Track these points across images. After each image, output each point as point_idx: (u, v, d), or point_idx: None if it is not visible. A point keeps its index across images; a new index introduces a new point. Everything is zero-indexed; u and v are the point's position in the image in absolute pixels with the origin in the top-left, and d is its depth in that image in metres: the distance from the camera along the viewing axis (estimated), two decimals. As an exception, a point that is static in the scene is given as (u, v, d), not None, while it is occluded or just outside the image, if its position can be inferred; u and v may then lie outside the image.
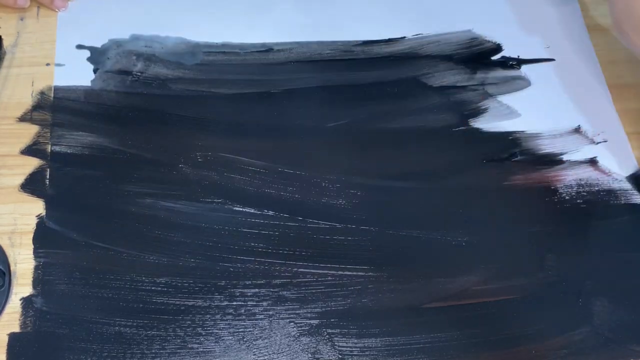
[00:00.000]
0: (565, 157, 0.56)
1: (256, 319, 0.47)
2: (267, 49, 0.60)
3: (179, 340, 0.46)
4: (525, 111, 0.58)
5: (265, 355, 0.46)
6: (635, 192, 0.54)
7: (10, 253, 0.48)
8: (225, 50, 0.59)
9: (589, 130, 0.57)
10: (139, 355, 0.45)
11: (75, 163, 0.52)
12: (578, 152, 0.56)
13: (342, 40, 0.61)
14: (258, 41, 0.60)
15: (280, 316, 0.48)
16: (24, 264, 0.48)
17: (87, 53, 0.58)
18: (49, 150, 0.53)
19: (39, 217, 0.50)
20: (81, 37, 0.59)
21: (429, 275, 0.50)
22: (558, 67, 0.60)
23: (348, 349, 0.47)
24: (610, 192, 0.54)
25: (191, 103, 0.56)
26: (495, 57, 0.60)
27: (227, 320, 0.47)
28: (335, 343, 0.47)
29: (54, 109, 0.55)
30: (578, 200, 0.54)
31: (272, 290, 0.49)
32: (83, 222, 0.50)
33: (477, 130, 0.57)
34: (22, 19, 0.59)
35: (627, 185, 0.55)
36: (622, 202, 0.54)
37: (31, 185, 0.51)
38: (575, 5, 0.64)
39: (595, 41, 0.62)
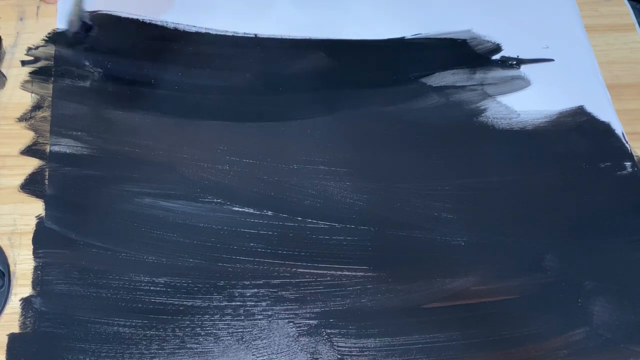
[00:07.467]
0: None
1: (255, 319, 0.47)
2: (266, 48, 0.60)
3: (177, 341, 0.46)
4: (525, 111, 0.58)
5: (264, 355, 0.46)
6: (635, 192, 0.54)
7: (9, 254, 0.48)
8: (223, 45, 0.59)
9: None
10: (138, 355, 0.45)
11: (74, 163, 0.52)
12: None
13: (341, 40, 0.61)
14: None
15: (279, 316, 0.48)
16: (23, 265, 0.48)
17: (87, 53, 0.58)
18: (49, 151, 0.53)
19: (39, 217, 0.50)
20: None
21: (428, 275, 0.50)
22: (557, 68, 0.60)
23: (347, 349, 0.47)
24: (611, 191, 0.54)
25: (190, 102, 0.56)
26: (494, 57, 0.60)
27: (226, 320, 0.47)
28: (334, 343, 0.47)
29: (54, 109, 0.55)
30: (579, 199, 0.54)
31: (271, 290, 0.49)
32: (82, 222, 0.50)
33: (476, 129, 0.57)
34: (21, 19, 0.59)
35: (627, 186, 0.55)
36: (623, 201, 0.54)
37: (31, 185, 0.51)
38: (574, 5, 0.64)
39: (594, 41, 0.62)
